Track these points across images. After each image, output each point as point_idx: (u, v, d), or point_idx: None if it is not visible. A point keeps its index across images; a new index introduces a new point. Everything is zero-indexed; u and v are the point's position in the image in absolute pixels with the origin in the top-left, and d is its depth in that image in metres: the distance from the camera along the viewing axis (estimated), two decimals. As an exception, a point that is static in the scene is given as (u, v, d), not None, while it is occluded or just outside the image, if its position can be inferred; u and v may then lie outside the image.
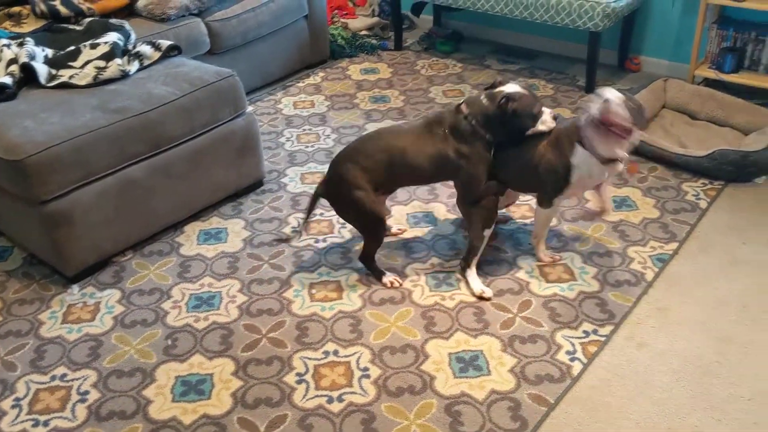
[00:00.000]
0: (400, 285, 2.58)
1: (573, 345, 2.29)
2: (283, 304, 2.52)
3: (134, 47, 3.10)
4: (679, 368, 2.21)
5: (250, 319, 2.46)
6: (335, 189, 2.51)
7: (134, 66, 2.96)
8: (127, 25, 3.28)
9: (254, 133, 3.05)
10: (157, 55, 3.04)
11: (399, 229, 2.86)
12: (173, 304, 2.54)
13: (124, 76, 2.89)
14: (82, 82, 2.83)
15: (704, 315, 2.41)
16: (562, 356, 2.25)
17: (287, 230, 2.90)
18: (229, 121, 2.94)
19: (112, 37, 3.07)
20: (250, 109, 3.08)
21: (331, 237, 2.85)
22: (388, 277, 2.59)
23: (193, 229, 2.94)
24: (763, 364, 2.20)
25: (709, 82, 3.74)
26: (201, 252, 2.81)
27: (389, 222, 2.79)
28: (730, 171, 3.06)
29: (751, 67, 3.67)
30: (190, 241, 2.87)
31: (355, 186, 2.44)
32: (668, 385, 2.15)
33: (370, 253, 2.61)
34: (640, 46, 4.13)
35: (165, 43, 3.10)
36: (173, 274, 2.70)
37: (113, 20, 3.36)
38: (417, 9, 4.79)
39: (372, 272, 2.62)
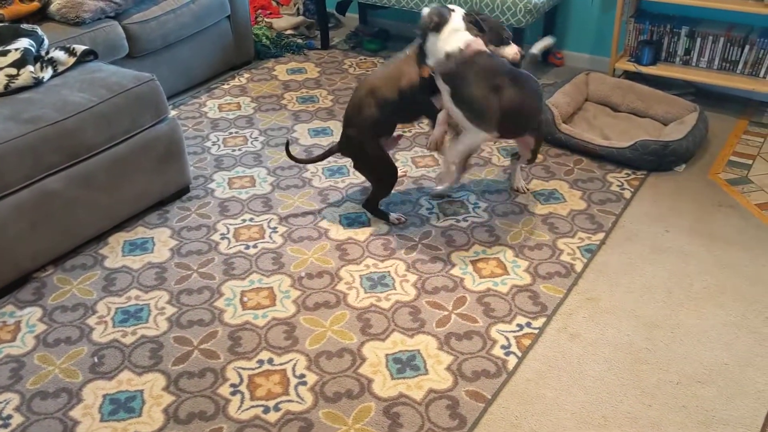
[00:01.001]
0: (405, 221, 2.87)
1: (507, 339, 2.32)
2: (214, 314, 2.45)
3: (47, 53, 2.96)
4: (610, 357, 2.25)
5: (180, 331, 2.39)
6: (349, 149, 2.85)
7: (48, 73, 2.83)
8: (39, 30, 3.12)
9: (178, 138, 2.96)
10: (71, 60, 2.92)
11: (402, 171, 3.17)
12: (98, 320, 2.45)
13: (38, 83, 2.76)
14: (-8, 91, 2.69)
15: (632, 303, 2.47)
16: (497, 351, 2.27)
17: (215, 237, 2.83)
18: (151, 127, 2.85)
19: (23, 43, 2.92)
20: (173, 113, 3.00)
21: (261, 242, 2.79)
22: (394, 215, 2.87)
23: (117, 240, 2.84)
24: (689, 348, 2.27)
25: (629, 75, 3.84)
26: (126, 264, 2.71)
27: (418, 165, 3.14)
28: (652, 161, 3.15)
29: (668, 59, 3.79)
30: (114, 252, 2.77)
31: (365, 144, 2.76)
32: (601, 374, 2.19)
33: (377, 200, 2.88)
34: (563, 41, 4.22)
35: (80, 48, 2.97)
36: (98, 288, 2.59)
37: (24, 25, 3.20)
38: (342, 7, 4.76)
39: (377, 215, 2.89)
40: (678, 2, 3.58)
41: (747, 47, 3.55)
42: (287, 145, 2.94)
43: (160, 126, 2.89)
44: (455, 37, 2.54)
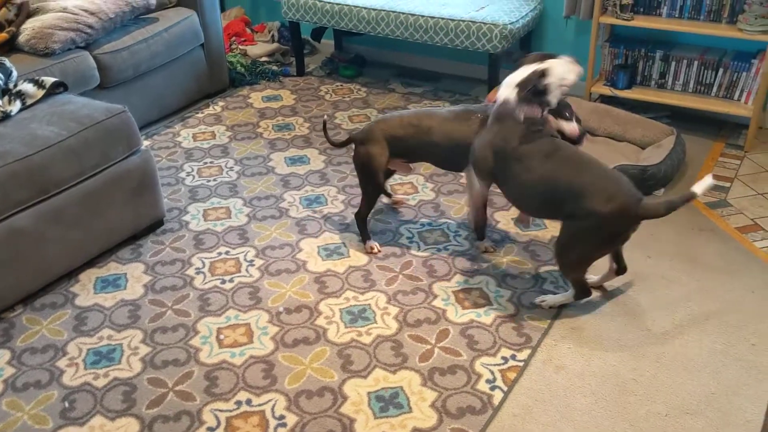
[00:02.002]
0: (378, 252, 2.83)
1: (492, 373, 2.26)
2: (189, 353, 2.38)
3: (15, 86, 2.89)
4: (597, 389, 2.21)
5: (154, 372, 2.30)
6: (361, 137, 2.78)
7: (16, 106, 2.76)
8: (7, 62, 3.05)
9: (151, 170, 2.89)
10: (40, 93, 2.85)
11: (401, 199, 3.16)
12: (69, 362, 2.36)
13: (5, 117, 2.69)
14: (-43, 126, 2.61)
15: (616, 331, 2.43)
16: (482, 385, 2.22)
17: (190, 272, 2.75)
18: (123, 159, 2.78)
19: (-10, 75, 2.85)
20: (146, 144, 2.93)
21: (238, 276, 2.72)
22: (370, 243, 2.85)
23: (89, 276, 2.75)
24: (676, 378, 2.24)
25: (605, 99, 3.85)
26: (98, 301, 2.62)
27: (397, 193, 3.18)
28: (631, 185, 3.13)
29: (643, 82, 3.80)
30: (86, 290, 2.68)
31: (374, 142, 2.73)
32: (588, 407, 2.15)
33: (362, 213, 2.85)
34: (538, 65, 4.21)
35: (49, 79, 2.91)
36: (68, 328, 2.50)
37: (-9, 57, 3.14)
38: (317, 34, 4.73)
39: (360, 230, 2.87)
40: (652, 27, 3.60)
41: (721, 70, 3.58)
42: (324, 125, 2.94)
43: (133, 158, 2.82)
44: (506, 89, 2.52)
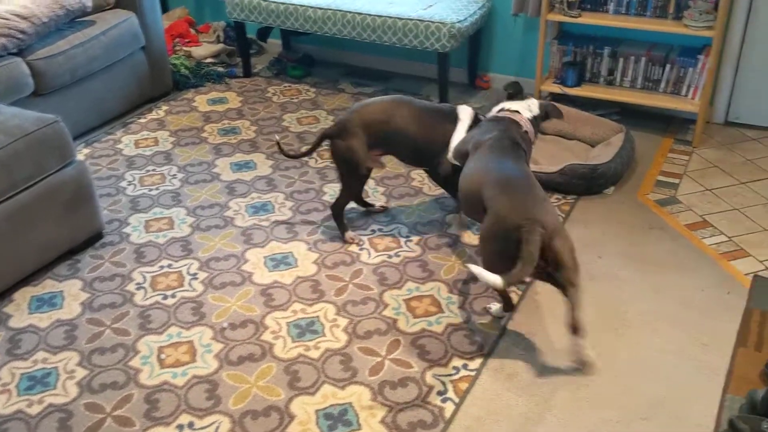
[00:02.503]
0: (359, 242, 2.84)
1: (444, 384, 2.21)
2: (129, 374, 2.27)
3: (-62, 96, 2.74)
4: (549, 396, 2.17)
5: (91, 396, 2.19)
6: (337, 131, 2.74)
7: (-62, 117, 2.61)
8: (-71, 69, 2.90)
9: (87, 182, 2.76)
10: (-35, 103, 2.70)
11: (381, 206, 3.07)
12: (2, 388, 2.23)
13: (-74, 129, 2.54)
14: None
15: (568, 335, 2.39)
16: (433, 398, 2.16)
17: (131, 287, 2.64)
18: (56, 172, 2.65)
19: None
20: (86, 152, 2.80)
21: (180, 291, 2.62)
22: (349, 234, 2.85)
23: (23, 295, 2.62)
24: (628, 381, 2.22)
25: (555, 97, 3.82)
26: (33, 322, 2.50)
27: (377, 201, 3.11)
28: (581, 185, 3.12)
29: (592, 79, 3.79)
30: (20, 310, 2.55)
31: (352, 134, 2.71)
32: (540, 416, 2.11)
33: (340, 204, 2.83)
34: (488, 64, 4.19)
35: (-25, 89, 2.76)
36: (1, 351, 2.37)
37: None
38: (263, 34, 4.62)
39: (337, 222, 2.86)
40: (599, 23, 3.59)
41: (668, 66, 3.58)
42: (278, 145, 2.89)
43: (67, 170, 2.69)
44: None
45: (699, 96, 3.53)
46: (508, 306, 2.47)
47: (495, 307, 2.49)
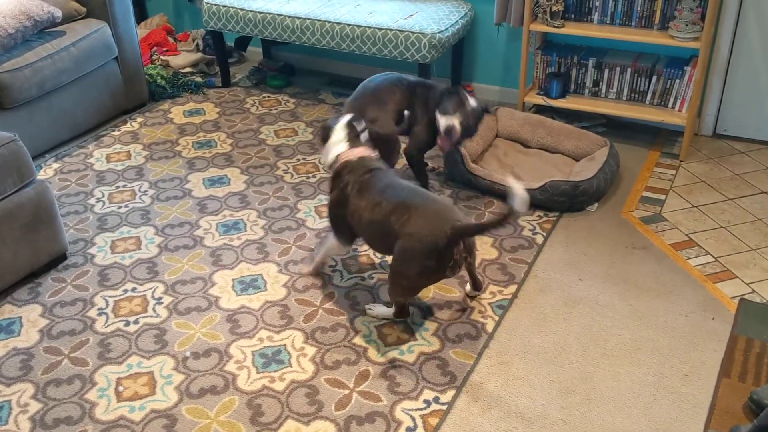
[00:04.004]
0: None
1: (413, 420, 2.11)
2: (84, 409, 2.16)
3: None
4: (523, 432, 2.08)
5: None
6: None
7: None
8: None
9: (47, 202, 2.66)
10: None
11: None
12: (-51, 425, 2.13)
13: None
14: None
15: (546, 365, 2.31)
16: (402, 434, 2.06)
17: (92, 313, 2.53)
18: (14, 193, 2.54)
19: None
20: (55, 167, 2.68)
21: (143, 317, 2.52)
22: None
23: (-21, 322, 2.52)
24: (606, 416, 2.12)
25: (539, 108, 3.73)
26: (-13, 351, 2.39)
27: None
28: (563, 202, 3.02)
29: (577, 90, 3.70)
30: (-26, 338, 2.45)
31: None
32: (513, 454, 2.01)
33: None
34: (472, 74, 4.09)
35: (-69, 105, 2.65)
36: (-49, 383, 2.27)
37: None
38: (242, 43, 4.52)
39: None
40: (583, 34, 3.49)
41: (654, 77, 3.49)
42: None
43: (26, 191, 2.59)
44: (333, 149, 2.55)
45: (686, 108, 3.43)
46: (404, 314, 2.44)
47: (380, 309, 2.47)
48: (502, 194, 3.07)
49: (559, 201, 3.01)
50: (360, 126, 2.58)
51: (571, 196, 3.01)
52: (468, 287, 2.59)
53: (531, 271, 2.72)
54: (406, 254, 2.24)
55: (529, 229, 2.94)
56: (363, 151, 2.51)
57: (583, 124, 3.62)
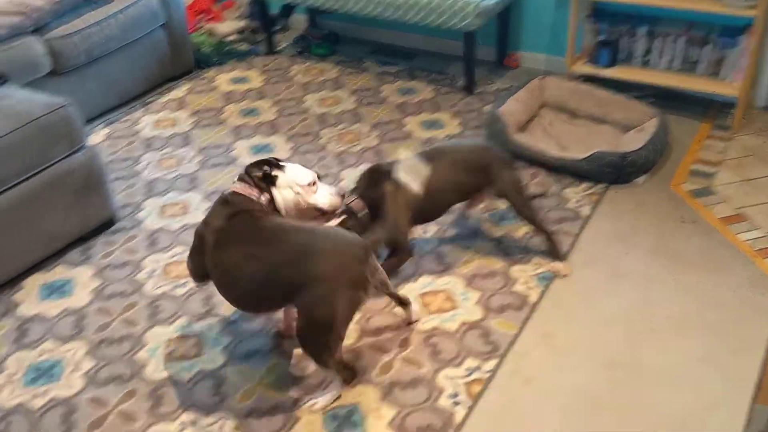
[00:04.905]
0: None
1: (456, 387, 2.12)
2: (134, 368, 2.23)
3: (-50, 78, 2.70)
4: (567, 404, 2.07)
5: (95, 389, 2.16)
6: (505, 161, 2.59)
7: (-50, 100, 2.57)
8: (-56, 50, 2.86)
9: (98, 168, 2.71)
10: (-24, 86, 2.66)
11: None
12: (7, 379, 2.21)
13: (-63, 113, 2.50)
14: None
15: (590, 338, 2.29)
16: (444, 401, 2.07)
17: (141, 276, 2.59)
18: (65, 158, 2.60)
19: None
20: (104, 132, 2.73)
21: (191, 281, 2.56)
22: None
23: (34, 282, 2.59)
24: (652, 390, 2.10)
25: (587, 78, 3.65)
26: (42, 311, 2.47)
27: None
28: (610, 173, 2.97)
29: (627, 60, 3.60)
30: (30, 298, 2.53)
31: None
32: (557, 426, 2.01)
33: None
34: (518, 42, 4.02)
35: (-14, 70, 2.71)
36: (8, 340, 2.35)
37: (-73, 46, 2.94)
38: (287, 11, 4.51)
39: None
40: (635, 2, 3.40)
41: (707, 47, 3.38)
42: None
43: (76, 156, 2.64)
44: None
45: (740, 79, 3.33)
46: (350, 372, 2.10)
47: (323, 398, 2.07)
48: (545, 164, 3.04)
49: (606, 172, 2.96)
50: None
51: (618, 168, 2.95)
52: (400, 310, 2.33)
53: (576, 244, 2.69)
54: (325, 298, 1.89)
55: (575, 201, 2.90)
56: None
57: (632, 95, 3.53)
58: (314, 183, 2.17)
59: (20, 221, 2.49)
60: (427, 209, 2.47)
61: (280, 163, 2.17)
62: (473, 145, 2.72)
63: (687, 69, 3.48)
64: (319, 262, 1.89)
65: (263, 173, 2.11)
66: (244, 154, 3.31)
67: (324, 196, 2.18)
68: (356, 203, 2.36)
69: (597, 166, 2.95)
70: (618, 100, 3.36)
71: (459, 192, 2.54)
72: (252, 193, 2.07)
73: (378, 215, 2.36)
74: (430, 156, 2.48)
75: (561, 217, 2.81)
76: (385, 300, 2.43)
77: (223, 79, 4.05)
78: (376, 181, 2.40)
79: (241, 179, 2.11)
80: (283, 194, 2.12)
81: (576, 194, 2.94)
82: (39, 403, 2.13)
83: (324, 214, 2.19)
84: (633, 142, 3.07)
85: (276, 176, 2.12)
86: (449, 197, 2.53)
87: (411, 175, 2.37)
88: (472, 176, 2.50)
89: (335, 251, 1.93)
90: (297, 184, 2.13)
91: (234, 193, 2.06)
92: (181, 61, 4.04)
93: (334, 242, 1.96)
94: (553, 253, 2.58)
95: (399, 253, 2.44)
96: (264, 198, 2.08)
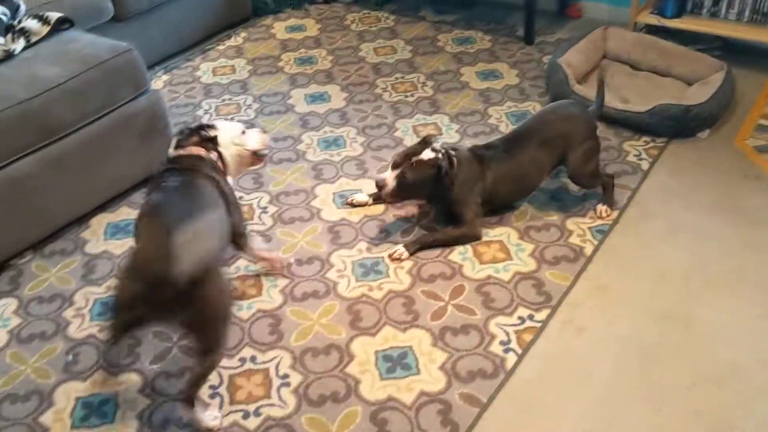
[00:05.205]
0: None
1: (507, 334, 2.15)
2: (196, 305, 2.31)
3: (20, 22, 2.77)
4: (619, 354, 2.08)
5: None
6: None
7: (20, 44, 2.65)
8: (14, -5, 2.93)
9: (161, 112, 2.78)
10: (45, 29, 2.73)
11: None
12: (76, 312, 2.32)
13: (9, 56, 2.59)
14: (-39, 66, 2.52)
15: (645, 291, 2.28)
16: (495, 347, 2.10)
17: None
18: (130, 102, 2.67)
19: (-6, 11, 2.74)
20: (164, 78, 2.78)
21: (250, 224, 2.62)
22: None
23: (100, 222, 2.69)
24: (705, 344, 2.09)
25: (651, 29, 3.55)
26: (108, 248, 2.57)
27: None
28: (672, 126, 2.90)
29: (694, 10, 3.48)
30: (96, 236, 2.63)
31: None
32: (608, 375, 2.02)
33: None
34: (580, -9, 3.91)
35: (54, 15, 2.78)
36: (77, 276, 2.46)
37: (-3, -10, 3.01)
38: (344, -42, 4.45)
39: None
40: (706, -52, 3.26)
41: (781, -3, 3.24)
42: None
43: (140, 100, 2.70)
44: None
45: (815, 31, 3.19)
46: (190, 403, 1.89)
47: (201, 414, 1.91)
48: (606, 117, 2.98)
49: (668, 125, 2.89)
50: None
51: (681, 121, 2.88)
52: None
53: (634, 198, 2.65)
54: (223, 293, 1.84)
55: (634, 155, 2.85)
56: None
57: (699, 47, 3.41)
58: (244, 132, 2.30)
59: (88, 162, 2.58)
60: (506, 197, 2.57)
61: (209, 125, 2.24)
62: (558, 116, 2.57)
63: (756, 21, 3.35)
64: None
65: (204, 136, 2.18)
66: (300, 103, 3.34)
67: (255, 139, 2.31)
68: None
69: (659, 119, 2.89)
70: (683, 52, 3.26)
71: (541, 175, 2.56)
72: (200, 152, 2.14)
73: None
74: (515, 141, 2.53)
75: (619, 171, 2.77)
76: (438, 249, 2.46)
77: (280, 27, 4.06)
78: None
79: (180, 145, 2.17)
80: (227, 152, 2.22)
81: (635, 148, 2.89)
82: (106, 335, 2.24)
83: (260, 158, 2.34)
84: (697, 95, 2.99)
85: (215, 135, 2.20)
86: (533, 182, 2.57)
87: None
88: (555, 155, 2.52)
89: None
90: (235, 136, 2.25)
91: (182, 156, 2.13)
92: (239, 9, 4.06)
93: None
94: (607, 200, 2.56)
95: (463, 227, 2.47)
96: (214, 155, 2.18)
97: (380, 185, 2.37)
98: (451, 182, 2.41)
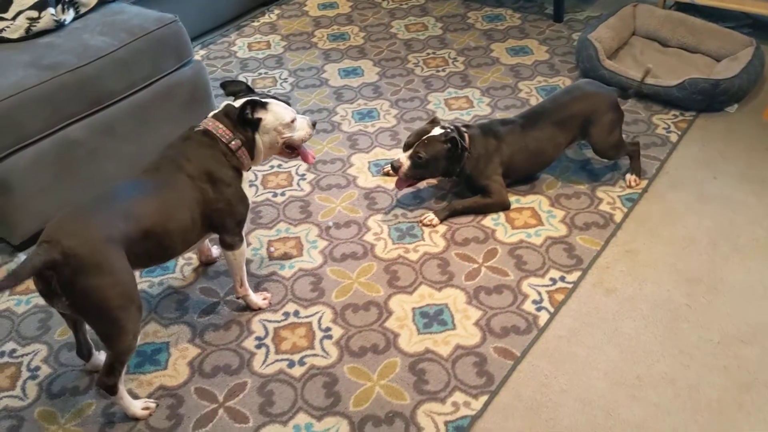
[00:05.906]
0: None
1: (539, 294, 2.23)
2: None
3: (69, -7, 2.88)
4: (648, 313, 2.15)
5: (206, 282, 2.36)
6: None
7: (69, 15, 2.76)
8: (61, -32, 3.04)
9: (203, 82, 2.88)
10: (93, 1, 2.83)
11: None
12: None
13: (59, 26, 2.70)
14: (15, 35, 2.63)
15: (674, 255, 2.35)
16: (528, 306, 2.19)
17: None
18: (174, 71, 2.77)
19: (44, -17, 2.84)
20: (201, 54, 2.89)
21: (289, 190, 2.73)
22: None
23: (145, 187, 2.80)
24: (732, 305, 2.16)
25: (680, 6, 3.59)
26: (154, 212, 2.68)
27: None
28: (701, 100, 2.95)
29: (724, -12, 3.51)
30: (142, 200, 2.73)
31: None
32: (636, 331, 2.10)
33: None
34: (609, -30, 3.95)
35: (102, -13, 2.88)
36: (125, 237, 2.57)
37: (46, -36, 3.12)
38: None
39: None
40: (737, -75, 3.29)
41: (812, -26, 3.27)
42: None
43: (184, 70, 2.80)
44: None
45: None
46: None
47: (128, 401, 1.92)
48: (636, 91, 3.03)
49: (696, 100, 2.95)
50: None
51: (710, 95, 2.93)
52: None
53: (663, 168, 2.72)
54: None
55: (663, 128, 2.91)
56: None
57: (727, 25, 3.45)
58: (294, 120, 2.10)
59: (133, 131, 2.68)
60: (522, 170, 2.65)
61: (263, 101, 2.06)
62: (573, 97, 2.63)
63: (788, -2, 3.38)
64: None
65: (245, 118, 2.02)
66: (334, 77, 3.42)
67: (302, 131, 2.13)
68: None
69: (688, 93, 2.94)
70: (712, 29, 3.31)
71: (558, 150, 2.63)
72: (225, 134, 2.01)
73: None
74: (532, 119, 2.61)
75: (648, 143, 2.83)
76: (471, 216, 2.55)
77: (313, 4, 4.14)
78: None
79: (216, 117, 2.05)
80: (264, 139, 2.07)
81: (664, 121, 2.95)
82: (157, 290, 2.35)
83: (293, 150, 2.17)
84: (726, 70, 3.04)
85: (260, 119, 2.04)
86: (551, 155, 2.64)
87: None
88: (572, 132, 2.60)
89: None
90: (281, 124, 2.07)
91: (205, 131, 2.02)
92: (273, -13, 4.15)
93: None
94: (635, 169, 2.63)
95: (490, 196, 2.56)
96: (234, 143, 2.02)
97: (396, 166, 2.46)
98: (465, 156, 2.49)
